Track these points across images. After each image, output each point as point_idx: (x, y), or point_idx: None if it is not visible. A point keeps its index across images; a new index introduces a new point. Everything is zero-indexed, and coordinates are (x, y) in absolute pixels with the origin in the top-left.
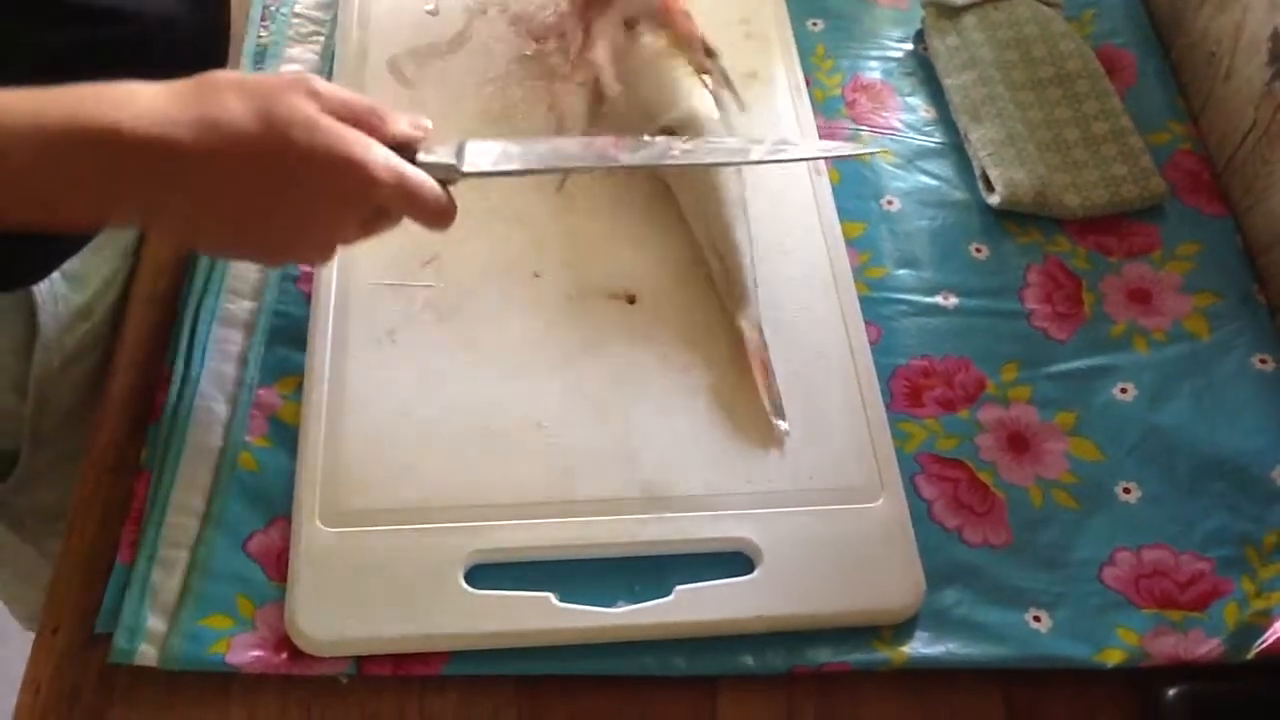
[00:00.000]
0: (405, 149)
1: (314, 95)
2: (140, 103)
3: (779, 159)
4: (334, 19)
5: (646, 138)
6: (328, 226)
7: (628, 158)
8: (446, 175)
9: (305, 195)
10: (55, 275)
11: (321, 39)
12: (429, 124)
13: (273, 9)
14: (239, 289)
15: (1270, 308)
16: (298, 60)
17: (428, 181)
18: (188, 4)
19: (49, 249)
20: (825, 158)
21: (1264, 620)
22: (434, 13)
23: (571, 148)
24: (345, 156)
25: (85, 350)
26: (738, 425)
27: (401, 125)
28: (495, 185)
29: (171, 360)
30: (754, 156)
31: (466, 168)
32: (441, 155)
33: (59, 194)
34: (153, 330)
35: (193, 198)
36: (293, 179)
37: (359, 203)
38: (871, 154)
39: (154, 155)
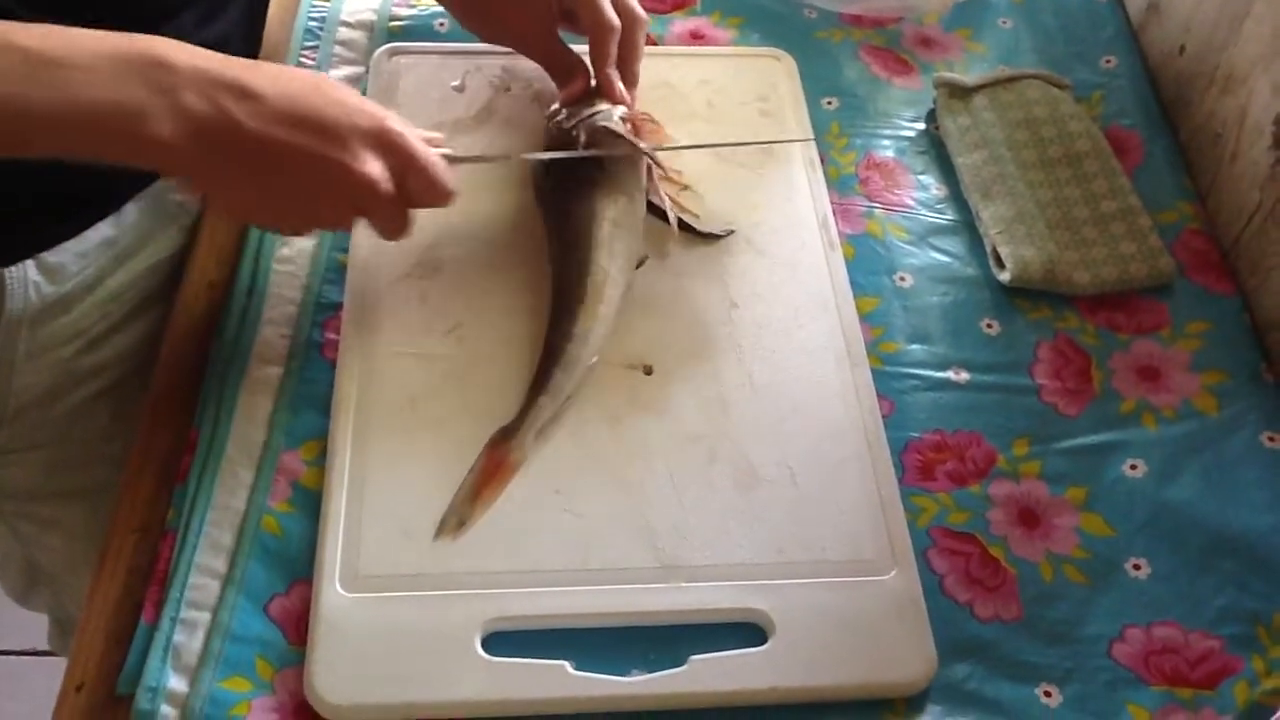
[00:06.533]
0: None
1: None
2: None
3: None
4: (362, 94)
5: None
6: (343, 159)
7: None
8: None
9: (327, 117)
10: (30, 263)
11: None
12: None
13: None
14: (266, 355)
15: (1278, 385)
16: None
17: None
18: None
19: (18, 236)
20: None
21: (1274, 700)
22: (460, 89)
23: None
24: (365, 107)
25: (61, 342)
26: (752, 496)
27: None
28: (523, 257)
29: (199, 424)
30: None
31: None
32: None
33: (97, 90)
34: (180, 394)
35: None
36: (315, 105)
37: (372, 141)
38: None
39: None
